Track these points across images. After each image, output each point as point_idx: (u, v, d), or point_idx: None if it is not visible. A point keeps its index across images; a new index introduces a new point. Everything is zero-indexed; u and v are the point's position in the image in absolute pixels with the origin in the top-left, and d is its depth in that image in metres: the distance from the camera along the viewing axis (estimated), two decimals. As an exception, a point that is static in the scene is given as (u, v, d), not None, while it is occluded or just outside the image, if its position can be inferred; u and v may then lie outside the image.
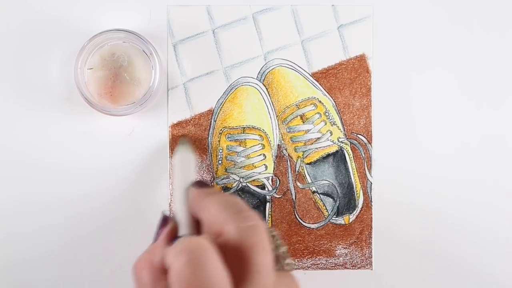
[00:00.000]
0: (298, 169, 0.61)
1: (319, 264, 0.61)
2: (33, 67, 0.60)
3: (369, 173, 0.61)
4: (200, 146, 0.61)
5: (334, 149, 0.61)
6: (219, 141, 0.61)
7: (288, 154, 0.61)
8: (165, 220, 0.48)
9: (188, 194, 0.49)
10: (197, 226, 0.48)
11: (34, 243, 0.60)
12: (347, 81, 0.61)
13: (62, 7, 0.60)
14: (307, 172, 0.61)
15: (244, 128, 0.61)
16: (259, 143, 0.61)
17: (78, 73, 0.57)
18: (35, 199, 0.60)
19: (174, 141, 0.60)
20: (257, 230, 0.43)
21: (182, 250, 0.41)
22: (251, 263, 0.42)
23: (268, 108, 0.61)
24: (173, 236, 0.47)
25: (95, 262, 0.60)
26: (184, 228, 0.48)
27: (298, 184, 0.61)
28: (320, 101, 0.61)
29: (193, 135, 0.61)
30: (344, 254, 0.61)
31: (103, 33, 0.57)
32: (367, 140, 0.61)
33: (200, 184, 0.49)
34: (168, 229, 0.47)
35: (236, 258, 0.42)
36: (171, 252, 0.42)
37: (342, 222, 0.61)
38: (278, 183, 0.61)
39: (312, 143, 0.61)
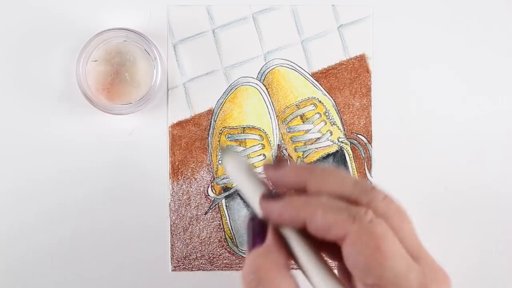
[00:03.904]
0: (298, 169, 0.61)
1: (319, 264, 0.61)
2: (34, 67, 0.60)
3: (369, 173, 0.61)
4: (200, 146, 0.61)
5: (334, 149, 0.61)
6: (219, 141, 0.61)
7: (288, 154, 0.61)
8: (260, 222, 0.41)
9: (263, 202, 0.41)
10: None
11: (32, 241, 0.60)
12: (347, 81, 0.61)
13: (62, 7, 0.60)
14: (307, 172, 0.61)
15: (244, 128, 0.61)
16: (259, 143, 0.61)
17: (80, 65, 0.57)
18: (34, 197, 0.60)
19: (174, 141, 0.60)
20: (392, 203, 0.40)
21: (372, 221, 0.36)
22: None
23: (268, 108, 0.61)
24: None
25: (94, 261, 0.60)
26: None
27: (298, 184, 0.61)
28: (320, 101, 0.61)
29: (194, 135, 0.61)
30: (344, 254, 0.61)
31: (109, 30, 0.57)
32: (367, 140, 0.61)
33: (270, 194, 0.41)
34: (273, 226, 0.40)
35: None
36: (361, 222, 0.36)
37: (342, 222, 0.61)
38: (278, 183, 0.61)
39: (312, 143, 0.61)
